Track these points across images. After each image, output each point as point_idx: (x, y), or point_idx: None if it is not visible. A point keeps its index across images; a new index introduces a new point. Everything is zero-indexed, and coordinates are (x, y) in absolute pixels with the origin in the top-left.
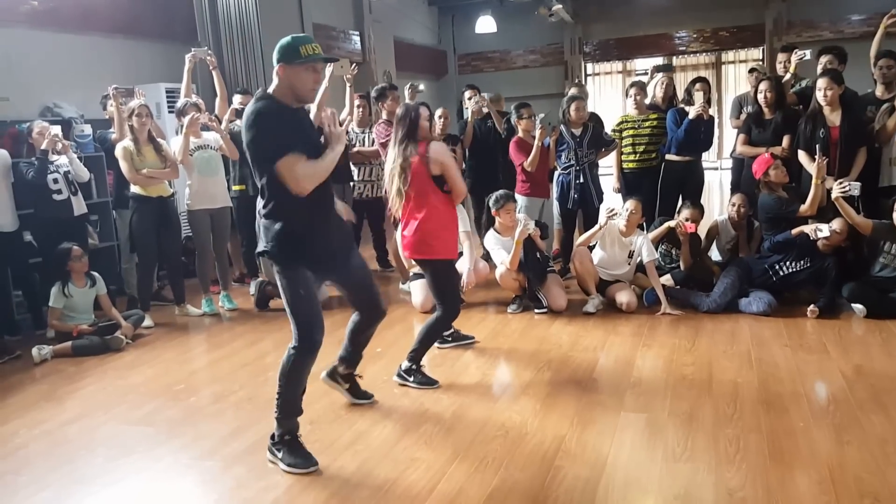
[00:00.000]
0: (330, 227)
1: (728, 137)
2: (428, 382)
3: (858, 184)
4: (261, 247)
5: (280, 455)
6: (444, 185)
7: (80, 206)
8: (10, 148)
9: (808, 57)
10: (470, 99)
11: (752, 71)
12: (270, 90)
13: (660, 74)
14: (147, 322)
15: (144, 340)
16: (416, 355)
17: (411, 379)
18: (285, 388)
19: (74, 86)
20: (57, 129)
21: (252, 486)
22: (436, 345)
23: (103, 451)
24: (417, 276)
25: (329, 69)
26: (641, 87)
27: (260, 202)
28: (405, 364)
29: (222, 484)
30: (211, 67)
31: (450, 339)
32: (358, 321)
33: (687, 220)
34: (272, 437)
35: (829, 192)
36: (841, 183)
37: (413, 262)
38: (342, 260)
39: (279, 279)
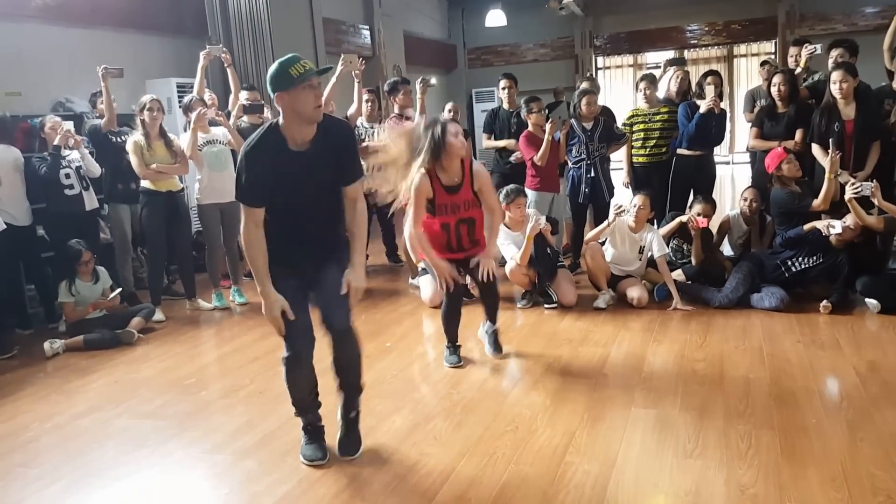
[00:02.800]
0: (318, 241)
1: (740, 131)
2: (453, 363)
3: (870, 184)
4: None
5: (302, 441)
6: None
7: (91, 201)
8: (23, 142)
9: (818, 51)
10: (504, 90)
11: (764, 64)
12: (280, 122)
13: (673, 68)
14: (158, 316)
15: (155, 335)
16: (447, 339)
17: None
18: (289, 392)
19: (85, 80)
20: (69, 125)
21: (262, 480)
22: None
23: (115, 445)
24: (426, 271)
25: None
26: (651, 81)
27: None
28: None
29: (233, 477)
30: (226, 65)
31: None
32: (331, 345)
33: (699, 214)
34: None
35: (842, 186)
36: (853, 183)
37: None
38: (321, 272)
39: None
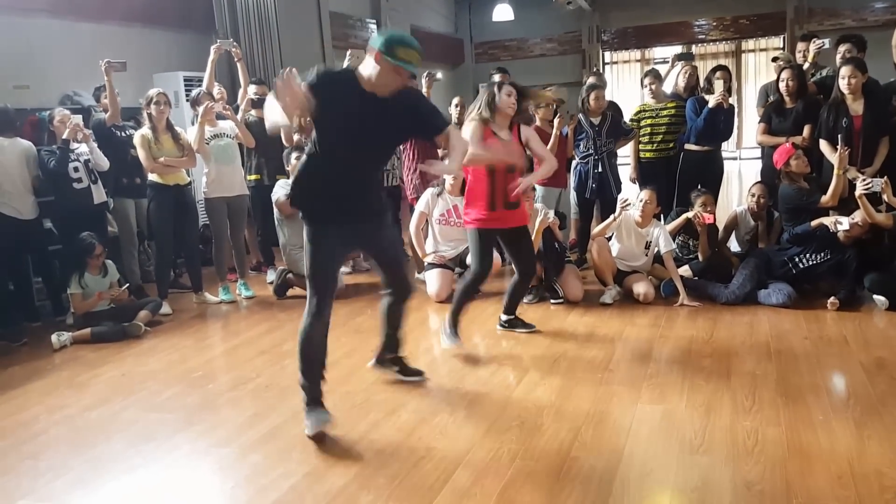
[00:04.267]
0: (360, 191)
1: (747, 127)
2: (452, 341)
3: (881, 180)
4: (291, 192)
5: (305, 412)
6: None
7: (99, 194)
8: (30, 135)
9: (826, 46)
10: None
11: (775, 59)
12: (361, 67)
13: (681, 63)
14: (165, 309)
15: (162, 328)
16: (451, 317)
17: (442, 340)
18: (300, 351)
19: (93, 74)
20: (78, 119)
21: (269, 474)
22: (497, 328)
23: (123, 438)
24: (432, 265)
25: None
26: (656, 76)
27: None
28: (503, 318)
29: (239, 471)
30: (236, 59)
31: (506, 324)
32: (388, 302)
33: (704, 208)
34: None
35: (850, 182)
36: (864, 179)
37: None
38: (372, 230)
39: (305, 241)
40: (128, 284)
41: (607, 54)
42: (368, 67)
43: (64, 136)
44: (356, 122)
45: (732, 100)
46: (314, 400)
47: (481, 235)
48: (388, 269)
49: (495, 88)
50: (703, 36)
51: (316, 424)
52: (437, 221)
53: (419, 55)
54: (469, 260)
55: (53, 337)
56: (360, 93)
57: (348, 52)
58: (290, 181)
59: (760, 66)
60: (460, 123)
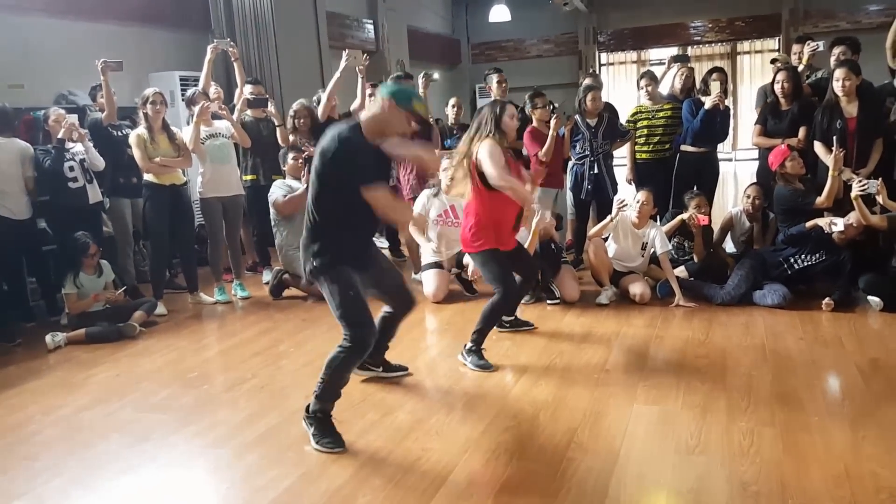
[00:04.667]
0: (372, 234)
1: (743, 129)
2: (484, 366)
3: (876, 182)
4: (306, 268)
5: (312, 430)
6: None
7: (94, 194)
8: (25, 134)
9: (821, 48)
10: (499, 83)
11: (773, 61)
12: (361, 119)
13: (677, 65)
14: (160, 310)
15: (157, 328)
16: (478, 337)
17: (469, 360)
18: (330, 378)
19: (89, 74)
20: (74, 118)
21: (265, 475)
22: (495, 328)
23: (118, 438)
24: (429, 265)
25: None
26: (652, 78)
27: (307, 228)
28: (468, 345)
29: (235, 472)
30: (233, 59)
31: (507, 324)
32: (391, 313)
33: (698, 209)
34: (308, 408)
35: (845, 184)
36: (860, 181)
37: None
38: (373, 259)
39: (326, 288)
40: (125, 287)
41: (604, 55)
42: (377, 119)
43: (59, 136)
44: (373, 176)
45: (728, 101)
46: (329, 420)
47: (495, 256)
48: (394, 288)
49: (498, 111)
50: (699, 37)
51: (333, 449)
52: (435, 222)
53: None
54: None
55: (48, 337)
56: (368, 147)
57: (345, 53)
58: (308, 249)
59: (756, 68)
60: (457, 124)
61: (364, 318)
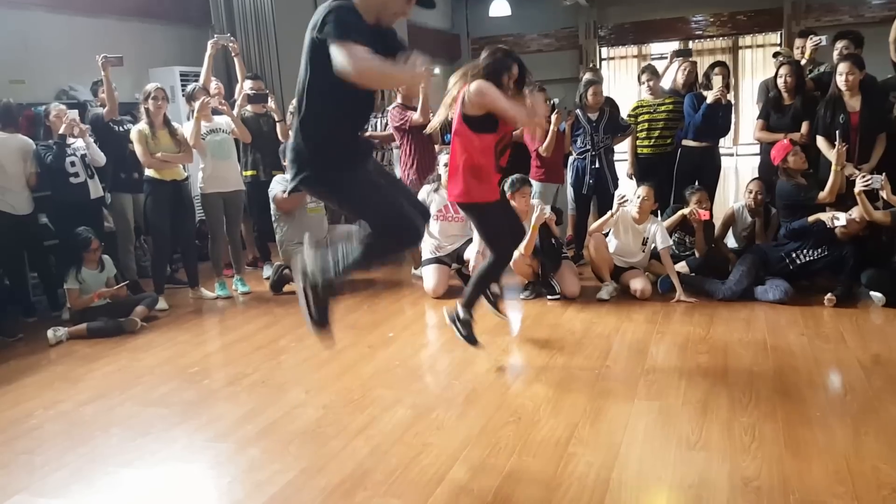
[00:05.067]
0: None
1: (744, 123)
2: (471, 340)
3: (881, 177)
4: (296, 177)
5: (311, 298)
6: (484, 127)
7: (96, 189)
8: (26, 130)
9: (823, 42)
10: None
11: (776, 55)
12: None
13: (679, 59)
14: (161, 305)
15: (158, 323)
16: (468, 301)
17: (459, 327)
18: (358, 259)
19: (89, 69)
20: (74, 114)
21: (266, 469)
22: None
23: (119, 432)
24: (429, 261)
25: None
26: (653, 72)
27: (296, 126)
28: (459, 310)
29: (236, 466)
30: (234, 54)
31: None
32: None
33: (699, 205)
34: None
35: (848, 179)
36: (863, 176)
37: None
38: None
39: (336, 197)
40: (126, 282)
41: (604, 50)
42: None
43: (60, 132)
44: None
45: (730, 96)
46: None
47: (489, 211)
48: (408, 199)
49: (503, 62)
50: (700, 32)
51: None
52: (436, 218)
53: None
54: (474, 249)
55: (49, 332)
56: (368, 28)
57: None
58: (300, 147)
59: (757, 63)
60: None
61: (404, 211)
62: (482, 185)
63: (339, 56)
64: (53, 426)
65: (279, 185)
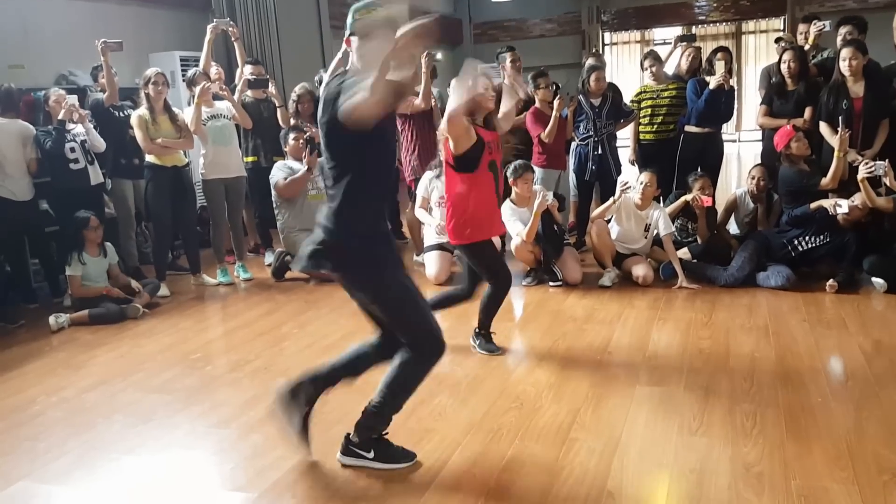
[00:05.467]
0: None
1: (747, 109)
2: (490, 349)
3: (884, 163)
4: (329, 264)
5: (371, 455)
6: (471, 166)
7: (96, 175)
8: (25, 115)
9: (827, 28)
10: (512, 62)
11: (778, 41)
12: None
13: (683, 45)
14: (163, 291)
15: (160, 309)
16: (483, 326)
17: (477, 343)
18: (396, 398)
19: (89, 54)
20: (74, 99)
21: (268, 455)
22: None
23: (121, 418)
24: (431, 247)
25: None
26: (656, 58)
27: (330, 208)
28: (476, 330)
29: (239, 452)
30: (233, 39)
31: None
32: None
33: (702, 191)
34: (348, 438)
35: (850, 165)
36: (867, 163)
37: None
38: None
39: (374, 290)
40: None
41: (607, 35)
42: (361, 57)
43: (60, 117)
44: (391, 129)
45: (733, 82)
46: (381, 433)
47: (485, 247)
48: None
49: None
50: (704, 17)
51: (406, 463)
52: (438, 204)
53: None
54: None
55: (51, 319)
56: None
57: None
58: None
59: (761, 48)
60: None
61: (431, 318)
62: (489, 223)
63: (356, 100)
64: (56, 413)
65: (280, 171)
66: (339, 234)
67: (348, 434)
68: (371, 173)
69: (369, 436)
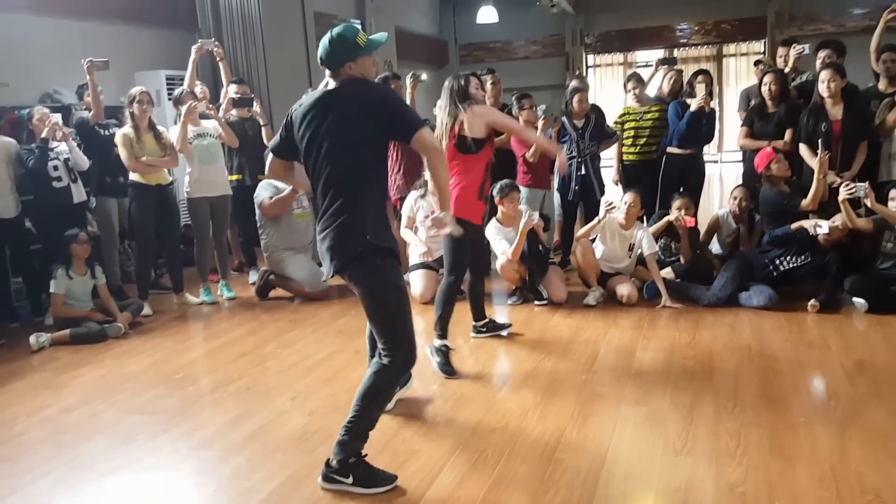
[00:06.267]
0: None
1: (728, 131)
2: (447, 371)
3: (864, 185)
4: (352, 250)
5: (351, 480)
6: (471, 149)
7: (79, 193)
8: (9, 133)
9: (806, 51)
10: (493, 84)
11: (757, 63)
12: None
13: (665, 67)
14: (145, 310)
15: (143, 329)
16: (441, 327)
17: (435, 360)
18: (368, 410)
19: (74, 72)
20: (58, 117)
21: (250, 477)
22: (471, 334)
23: (103, 439)
24: (416, 266)
25: None
26: (639, 80)
27: (337, 206)
28: (435, 342)
29: (220, 473)
30: (218, 59)
31: (484, 329)
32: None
33: (683, 211)
34: (328, 464)
35: (830, 186)
36: (847, 184)
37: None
38: None
39: (378, 281)
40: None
41: (590, 57)
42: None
43: (43, 135)
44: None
45: (714, 104)
46: (361, 456)
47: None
48: None
49: (462, 82)
50: (686, 40)
51: (387, 486)
52: (423, 223)
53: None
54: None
55: (32, 338)
56: None
57: None
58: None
59: (741, 71)
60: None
61: (411, 328)
62: (469, 204)
63: (428, 146)
64: (37, 433)
65: (265, 190)
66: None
67: (328, 459)
68: (383, 181)
69: (348, 458)
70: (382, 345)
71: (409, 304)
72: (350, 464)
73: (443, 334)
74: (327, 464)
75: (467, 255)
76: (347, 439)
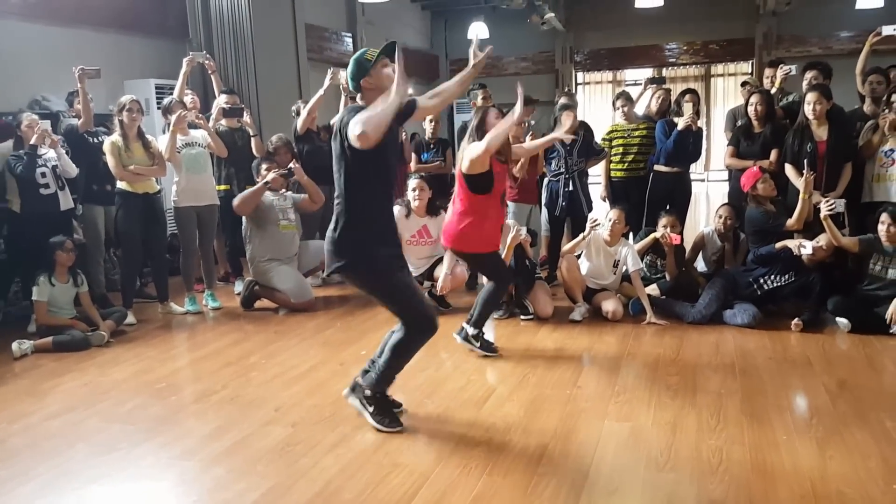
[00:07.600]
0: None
1: (715, 150)
2: (489, 349)
3: (843, 200)
4: (337, 262)
5: (371, 409)
6: (481, 187)
7: (66, 200)
8: None
9: (793, 72)
10: (483, 99)
11: (744, 84)
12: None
13: (653, 87)
14: (129, 319)
15: (126, 337)
16: (479, 321)
17: (477, 345)
18: (398, 360)
19: (63, 79)
20: (46, 124)
21: (231, 488)
22: (455, 334)
23: (85, 447)
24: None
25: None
26: (628, 98)
27: (342, 214)
28: (470, 330)
29: (201, 484)
30: (210, 72)
31: (475, 340)
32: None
33: (669, 228)
34: (363, 391)
35: (815, 207)
36: (827, 201)
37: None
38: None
39: (376, 286)
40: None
41: (580, 75)
42: (373, 96)
43: (31, 142)
44: (391, 152)
45: (701, 123)
46: (386, 394)
47: (489, 254)
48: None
49: (481, 115)
50: (674, 60)
51: (392, 428)
52: (408, 242)
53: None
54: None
55: (14, 345)
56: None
57: (329, 70)
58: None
59: (729, 91)
60: (434, 139)
61: (426, 307)
62: (490, 236)
63: (351, 129)
64: (19, 441)
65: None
66: (342, 243)
67: (362, 385)
68: (379, 176)
69: (376, 393)
70: (399, 320)
71: (408, 283)
72: (376, 397)
73: (479, 325)
74: (360, 387)
75: (498, 260)
76: (378, 379)
